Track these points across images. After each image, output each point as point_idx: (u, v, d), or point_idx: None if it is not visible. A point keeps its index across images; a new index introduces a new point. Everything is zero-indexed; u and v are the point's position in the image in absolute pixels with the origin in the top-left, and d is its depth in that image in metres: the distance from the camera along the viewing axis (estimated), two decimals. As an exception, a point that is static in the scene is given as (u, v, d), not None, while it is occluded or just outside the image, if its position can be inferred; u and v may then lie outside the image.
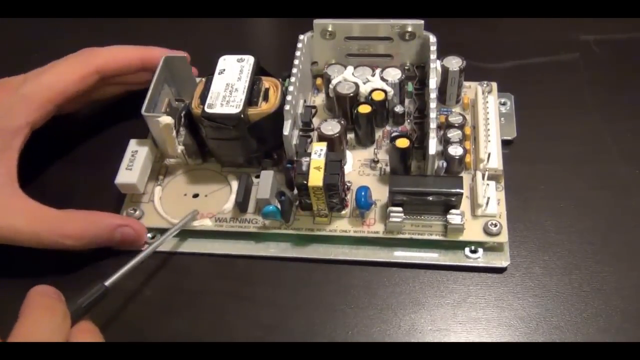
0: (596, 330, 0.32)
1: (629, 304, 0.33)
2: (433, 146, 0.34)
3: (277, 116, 0.35)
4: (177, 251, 0.36)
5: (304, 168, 0.33)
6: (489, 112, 0.39)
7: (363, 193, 0.35)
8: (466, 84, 0.41)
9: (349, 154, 0.38)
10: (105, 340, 0.32)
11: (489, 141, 0.37)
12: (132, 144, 0.38)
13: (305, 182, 0.33)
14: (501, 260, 0.35)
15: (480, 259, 0.35)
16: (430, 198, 0.34)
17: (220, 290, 0.35)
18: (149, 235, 0.37)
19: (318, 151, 0.34)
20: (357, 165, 0.38)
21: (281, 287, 0.35)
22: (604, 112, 0.42)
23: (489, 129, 0.38)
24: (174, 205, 0.37)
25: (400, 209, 0.34)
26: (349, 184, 0.37)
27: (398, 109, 0.39)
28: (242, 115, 0.34)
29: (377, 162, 0.38)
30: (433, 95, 0.35)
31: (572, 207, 0.37)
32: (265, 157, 0.37)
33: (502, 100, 0.42)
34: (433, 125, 0.34)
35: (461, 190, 0.33)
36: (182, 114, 0.36)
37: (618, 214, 0.37)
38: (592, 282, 0.34)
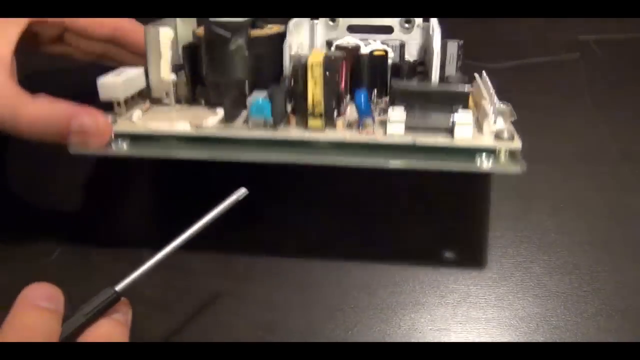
0: (596, 330, 0.32)
1: (629, 304, 0.33)
2: (437, 42, 0.32)
3: (279, 41, 0.34)
4: (150, 156, 0.32)
5: (302, 61, 0.31)
6: (488, 84, 0.35)
7: (363, 96, 0.32)
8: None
9: None
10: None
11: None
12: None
13: (304, 62, 0.31)
14: (516, 166, 0.31)
15: (492, 165, 0.30)
16: (434, 98, 0.31)
17: (220, 290, 0.35)
18: (124, 144, 0.32)
19: (320, 48, 0.32)
20: None
21: (281, 287, 0.35)
22: (604, 112, 0.42)
23: (492, 92, 0.34)
24: (153, 118, 0.34)
25: (401, 107, 0.31)
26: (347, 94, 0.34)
27: (398, 61, 0.37)
28: (247, 28, 0.33)
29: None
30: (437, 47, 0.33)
31: (572, 207, 0.37)
32: None
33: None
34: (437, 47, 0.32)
35: (468, 89, 0.31)
36: (183, 46, 0.35)
37: (618, 214, 0.37)
38: (592, 282, 0.34)
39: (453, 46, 0.37)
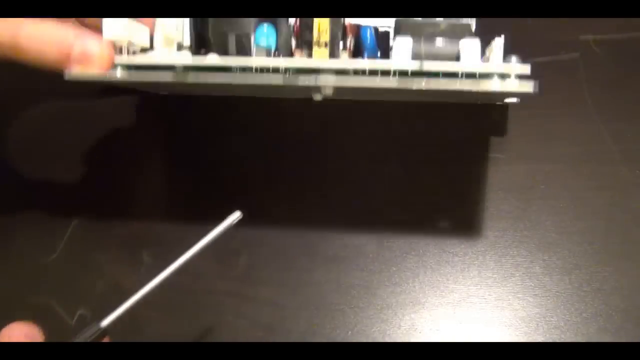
0: (596, 330, 0.32)
1: (629, 303, 0.33)
2: None
3: None
4: (147, 82, 0.31)
5: None
6: None
7: (369, 31, 0.31)
8: None
9: None
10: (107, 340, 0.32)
11: None
12: None
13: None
14: (529, 87, 0.30)
15: (504, 84, 0.30)
16: (440, 30, 0.30)
17: (220, 290, 0.35)
18: (122, 71, 0.30)
19: None
20: None
21: (281, 287, 0.35)
22: (604, 112, 0.42)
23: None
24: None
25: (407, 36, 0.30)
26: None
27: None
28: None
29: None
30: None
31: (572, 207, 0.37)
32: None
33: None
34: None
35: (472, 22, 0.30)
36: None
37: (618, 214, 0.37)
38: (592, 282, 0.34)
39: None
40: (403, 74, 0.29)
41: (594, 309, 0.33)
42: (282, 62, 0.30)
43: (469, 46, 0.30)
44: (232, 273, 0.36)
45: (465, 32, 0.31)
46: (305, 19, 0.30)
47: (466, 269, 0.35)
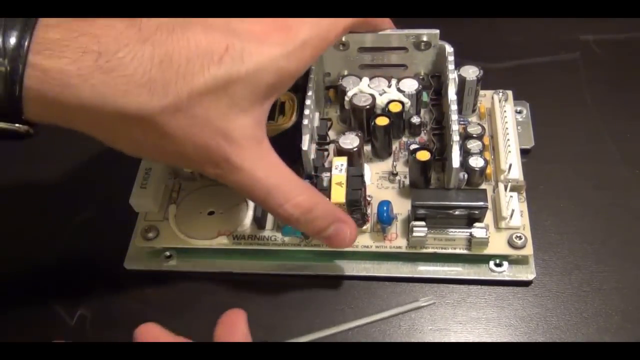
0: (596, 330, 0.32)
1: (629, 304, 0.33)
2: (457, 159, 0.32)
3: (294, 130, 0.34)
4: (195, 271, 0.36)
5: (325, 184, 0.33)
6: (507, 122, 0.38)
7: (385, 208, 0.34)
8: (481, 92, 0.40)
9: (366, 167, 0.37)
10: (107, 340, 0.32)
11: (509, 152, 0.37)
12: (145, 162, 0.37)
13: (327, 198, 0.32)
14: (527, 274, 0.34)
15: (505, 272, 0.34)
16: (454, 212, 0.33)
17: (220, 290, 0.35)
18: (166, 253, 0.36)
19: (339, 166, 0.33)
20: (375, 178, 0.37)
21: (281, 287, 0.35)
22: (604, 112, 0.42)
23: (508, 139, 0.37)
24: (189, 223, 0.36)
25: (423, 223, 0.33)
26: (369, 198, 0.36)
27: (415, 119, 0.38)
28: None
29: (396, 174, 0.37)
30: (454, 107, 0.34)
31: (572, 207, 0.37)
32: None
33: (518, 109, 0.41)
34: (456, 137, 0.33)
35: (485, 204, 0.33)
36: None
37: (618, 214, 0.37)
38: (592, 282, 0.34)
39: (472, 82, 0.38)
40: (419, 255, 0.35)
41: (594, 309, 0.33)
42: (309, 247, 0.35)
43: (478, 233, 0.33)
44: (233, 273, 0.36)
45: (477, 215, 0.33)
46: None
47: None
